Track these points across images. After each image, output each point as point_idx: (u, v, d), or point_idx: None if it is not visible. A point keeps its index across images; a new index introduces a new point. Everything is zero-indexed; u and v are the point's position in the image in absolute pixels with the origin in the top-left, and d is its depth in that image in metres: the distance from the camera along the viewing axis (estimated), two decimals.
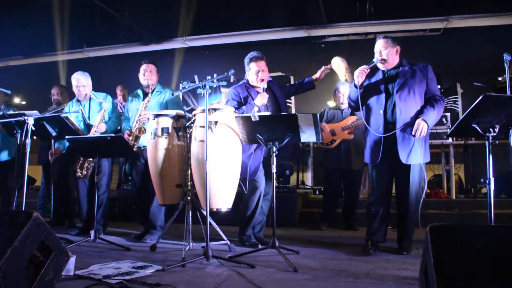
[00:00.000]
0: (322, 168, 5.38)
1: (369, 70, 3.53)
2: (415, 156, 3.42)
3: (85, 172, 4.34)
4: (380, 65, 3.54)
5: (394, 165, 3.53)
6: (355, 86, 3.55)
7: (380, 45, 3.53)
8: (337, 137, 4.92)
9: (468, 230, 1.87)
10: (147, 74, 4.33)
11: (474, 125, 2.71)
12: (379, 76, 3.58)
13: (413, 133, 3.35)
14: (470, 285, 1.66)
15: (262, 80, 3.88)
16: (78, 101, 4.57)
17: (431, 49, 7.52)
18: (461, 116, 3.36)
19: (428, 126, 3.35)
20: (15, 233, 2.13)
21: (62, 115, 4.04)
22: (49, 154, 4.40)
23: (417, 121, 3.35)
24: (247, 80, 4.01)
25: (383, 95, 3.52)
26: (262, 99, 3.78)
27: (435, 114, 3.41)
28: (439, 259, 1.74)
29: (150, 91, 4.34)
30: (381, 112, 3.50)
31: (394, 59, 3.53)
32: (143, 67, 4.36)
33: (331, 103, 5.40)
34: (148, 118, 4.02)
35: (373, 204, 3.66)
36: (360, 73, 3.51)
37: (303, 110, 7.28)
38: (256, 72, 3.90)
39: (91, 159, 4.26)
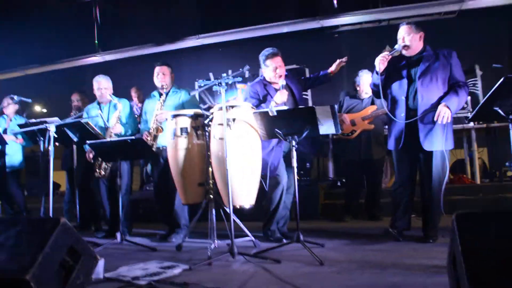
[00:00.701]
0: (343, 159, 5.35)
1: (390, 56, 3.49)
2: (436, 142, 3.38)
3: (103, 172, 4.43)
4: (403, 51, 3.50)
5: (416, 151, 3.51)
6: (377, 73, 3.53)
7: (403, 31, 3.49)
8: (357, 127, 4.89)
9: (495, 216, 1.83)
10: (160, 76, 4.34)
11: (496, 108, 2.67)
12: (402, 62, 3.55)
13: (435, 119, 3.30)
14: (501, 274, 1.63)
15: (280, 76, 3.87)
16: (98, 104, 4.64)
17: (447, 32, 7.35)
18: (481, 99, 3.30)
19: (451, 112, 3.29)
20: (45, 239, 2.18)
21: (83, 121, 4.10)
22: (87, 154, 4.49)
23: (439, 107, 3.30)
24: (264, 77, 3.99)
25: (405, 81, 3.49)
26: (282, 96, 3.76)
27: (458, 100, 3.35)
28: (467, 248, 1.71)
29: (165, 92, 4.37)
30: (403, 98, 3.48)
31: (417, 45, 3.49)
32: (156, 69, 4.38)
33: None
34: (166, 118, 4.05)
35: (396, 191, 3.66)
36: (382, 60, 3.48)
37: (319, 101, 7.23)
38: (274, 69, 3.87)
39: None
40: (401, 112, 3.50)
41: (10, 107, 5.47)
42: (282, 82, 3.80)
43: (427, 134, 3.38)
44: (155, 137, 4.25)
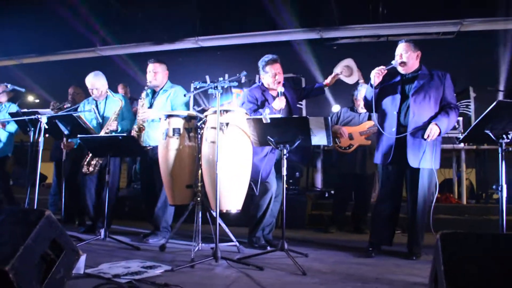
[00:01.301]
0: (334, 170, 5.35)
1: (386, 71, 3.52)
2: (424, 160, 3.41)
3: (92, 169, 4.36)
4: (399, 68, 3.54)
5: (404, 168, 3.53)
6: (371, 86, 3.55)
7: (401, 48, 3.53)
8: (354, 141, 4.89)
9: (480, 238, 1.85)
10: (151, 74, 4.29)
11: (487, 131, 2.69)
12: (396, 78, 3.59)
13: (424, 136, 3.34)
14: None
15: (279, 83, 3.89)
16: (94, 99, 4.61)
17: (444, 52, 7.43)
18: (473, 121, 3.34)
19: (440, 131, 3.33)
20: (28, 231, 2.16)
21: (74, 114, 4.07)
22: (61, 145, 4.50)
23: (430, 125, 3.35)
24: (262, 83, 4.01)
25: (398, 97, 3.52)
26: (280, 103, 3.78)
27: (448, 121, 3.41)
28: (449, 267, 1.73)
29: (157, 91, 4.35)
30: (395, 113, 3.51)
31: (414, 63, 3.53)
32: (148, 67, 4.32)
33: (337, 108, 5.34)
34: (152, 119, 4.08)
35: (378, 205, 3.68)
36: (377, 73, 3.50)
37: (313, 112, 7.26)
38: (273, 75, 3.89)
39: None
40: (392, 127, 3.52)
41: (4, 94, 5.40)
42: (280, 89, 3.82)
43: (415, 151, 3.41)
44: (138, 137, 4.16)
